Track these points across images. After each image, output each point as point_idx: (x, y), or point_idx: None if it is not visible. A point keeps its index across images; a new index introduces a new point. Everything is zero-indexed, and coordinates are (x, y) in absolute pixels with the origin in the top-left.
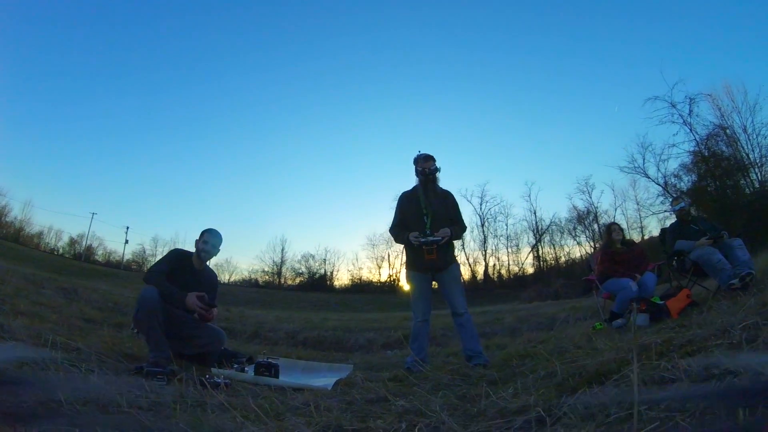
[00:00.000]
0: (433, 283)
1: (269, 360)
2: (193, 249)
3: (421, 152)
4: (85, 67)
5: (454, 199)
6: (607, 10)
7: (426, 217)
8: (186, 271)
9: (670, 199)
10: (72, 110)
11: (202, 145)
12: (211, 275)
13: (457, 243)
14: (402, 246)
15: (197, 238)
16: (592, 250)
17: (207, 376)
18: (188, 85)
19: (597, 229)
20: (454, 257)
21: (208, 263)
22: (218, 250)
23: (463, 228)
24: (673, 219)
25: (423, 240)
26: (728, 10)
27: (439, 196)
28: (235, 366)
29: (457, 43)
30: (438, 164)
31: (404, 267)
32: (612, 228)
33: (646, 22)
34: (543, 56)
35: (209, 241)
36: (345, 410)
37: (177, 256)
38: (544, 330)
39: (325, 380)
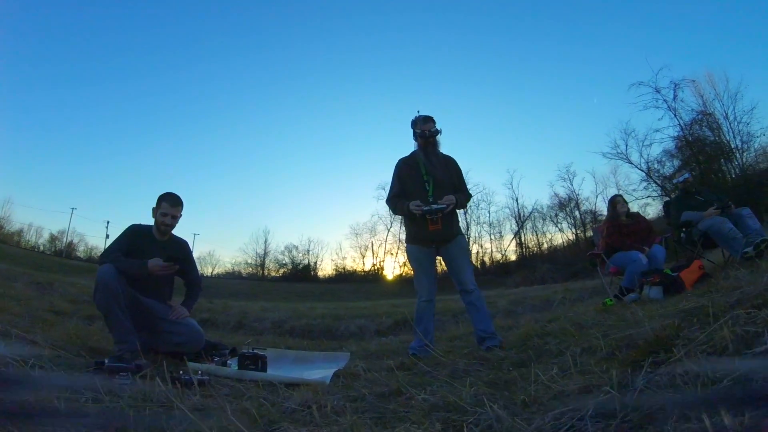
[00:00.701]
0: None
1: (255, 351)
2: (152, 222)
3: (420, 113)
4: (62, 59)
5: (457, 165)
6: None
7: (428, 184)
8: (147, 245)
9: (673, 171)
10: (48, 104)
11: (182, 137)
12: (180, 244)
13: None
14: (401, 218)
15: (154, 206)
16: (593, 227)
17: (181, 372)
18: (168, 76)
19: (579, 216)
20: (460, 228)
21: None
22: (179, 216)
23: (468, 196)
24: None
25: (426, 209)
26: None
27: (441, 161)
28: (216, 359)
29: (437, 30)
30: (439, 126)
31: (405, 242)
32: (616, 200)
33: (630, 7)
34: (525, 42)
35: (168, 212)
36: (356, 410)
37: (134, 231)
38: (542, 312)
39: (321, 372)
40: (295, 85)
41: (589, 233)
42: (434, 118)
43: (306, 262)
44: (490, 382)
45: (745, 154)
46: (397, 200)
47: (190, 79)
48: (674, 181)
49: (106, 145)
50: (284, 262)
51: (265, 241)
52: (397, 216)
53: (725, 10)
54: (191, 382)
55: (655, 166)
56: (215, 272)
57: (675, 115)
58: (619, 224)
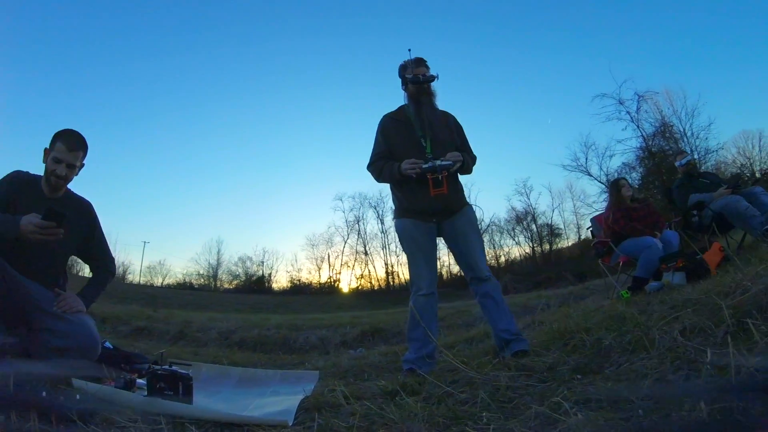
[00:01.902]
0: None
1: (174, 368)
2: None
3: (412, 55)
4: (40, 54)
5: (459, 123)
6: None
7: (424, 140)
8: (31, 201)
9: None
10: None
11: (134, 139)
12: (80, 204)
13: None
14: (390, 189)
15: (46, 147)
16: (591, 218)
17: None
18: (126, 78)
19: (535, 230)
20: (465, 196)
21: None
22: (79, 167)
23: (474, 159)
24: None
25: (427, 166)
26: (669, 16)
27: (439, 116)
28: (121, 378)
29: (392, 35)
30: (434, 72)
31: (394, 218)
32: (621, 183)
33: (592, 21)
34: (485, 51)
35: (63, 157)
36: None
37: (14, 180)
38: (524, 317)
39: (279, 401)
40: (250, 90)
41: (546, 247)
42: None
43: (260, 273)
44: (579, 401)
45: (702, 168)
46: (383, 163)
47: (145, 78)
48: (676, 164)
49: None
50: (237, 273)
51: (218, 252)
52: (355, 233)
53: (684, 28)
54: (67, 415)
55: (615, 177)
56: (165, 282)
57: (638, 127)
58: (627, 208)
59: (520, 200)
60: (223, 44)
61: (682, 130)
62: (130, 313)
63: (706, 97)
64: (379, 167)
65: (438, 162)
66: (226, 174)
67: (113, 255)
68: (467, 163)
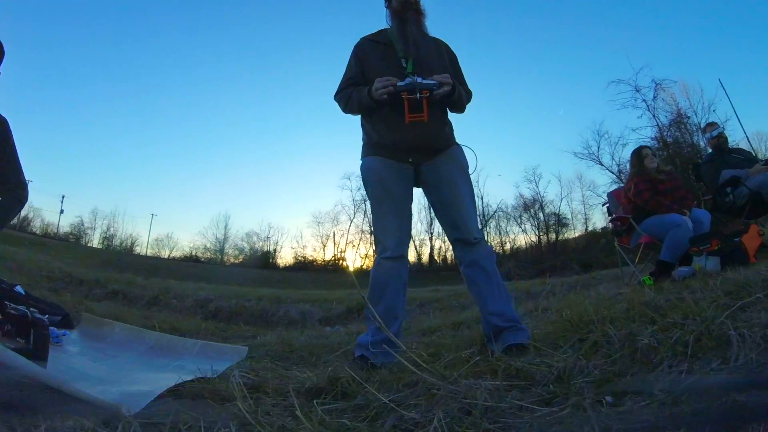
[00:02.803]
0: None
1: (32, 310)
2: None
3: None
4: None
5: (453, 52)
6: None
7: (405, 61)
8: None
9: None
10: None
11: (145, 115)
12: None
13: None
14: (360, 125)
15: None
16: (607, 193)
17: None
18: (134, 54)
19: (543, 218)
20: (453, 134)
21: None
22: None
23: (470, 94)
24: None
25: (403, 84)
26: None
27: (429, 39)
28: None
29: None
30: None
31: (362, 157)
32: (644, 152)
33: (610, 4)
34: (499, 36)
35: None
36: None
37: None
38: (528, 302)
39: (166, 378)
40: (260, 65)
41: (552, 236)
42: None
43: (266, 249)
44: None
45: None
46: (352, 89)
47: (155, 57)
48: (705, 136)
49: (64, 118)
50: (243, 248)
51: (226, 226)
52: (359, 196)
53: (711, 17)
54: None
55: (627, 168)
56: (172, 255)
57: (654, 116)
58: (653, 180)
59: (528, 188)
60: (238, 21)
61: (697, 123)
62: (111, 278)
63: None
64: (347, 95)
65: (418, 79)
66: (235, 149)
67: (26, 182)
68: (459, 94)
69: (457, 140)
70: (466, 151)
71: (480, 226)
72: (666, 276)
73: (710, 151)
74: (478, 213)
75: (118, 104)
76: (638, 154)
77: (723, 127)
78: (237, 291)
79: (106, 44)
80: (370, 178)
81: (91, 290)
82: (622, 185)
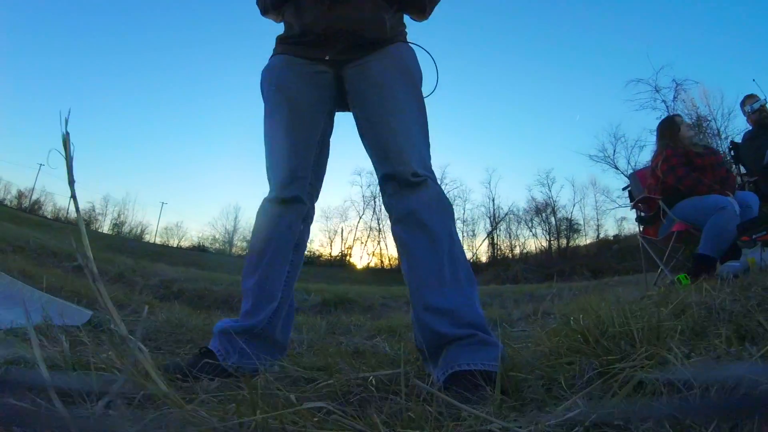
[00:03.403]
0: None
1: None
2: None
3: None
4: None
5: None
6: None
7: None
8: None
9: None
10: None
11: (162, 107)
12: None
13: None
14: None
15: None
16: (629, 175)
17: None
18: (153, 41)
19: (554, 223)
20: (404, 32)
21: None
22: None
23: None
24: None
25: None
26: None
27: None
28: None
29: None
30: None
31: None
32: (679, 120)
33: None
34: (514, 35)
35: None
36: None
37: None
38: (527, 304)
39: None
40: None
41: (563, 242)
42: None
43: None
44: None
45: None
46: None
47: (174, 53)
48: (746, 109)
49: (80, 105)
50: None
51: (236, 218)
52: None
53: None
54: None
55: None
56: (180, 244)
57: None
58: (689, 153)
59: (541, 191)
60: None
61: (716, 129)
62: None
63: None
64: None
65: None
66: (248, 140)
67: None
68: None
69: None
70: (420, 54)
71: (431, 162)
72: (708, 274)
73: (750, 128)
74: (488, 215)
75: (133, 89)
76: (671, 123)
77: (766, 100)
78: (220, 277)
79: (119, 34)
80: (264, 82)
81: (60, 262)
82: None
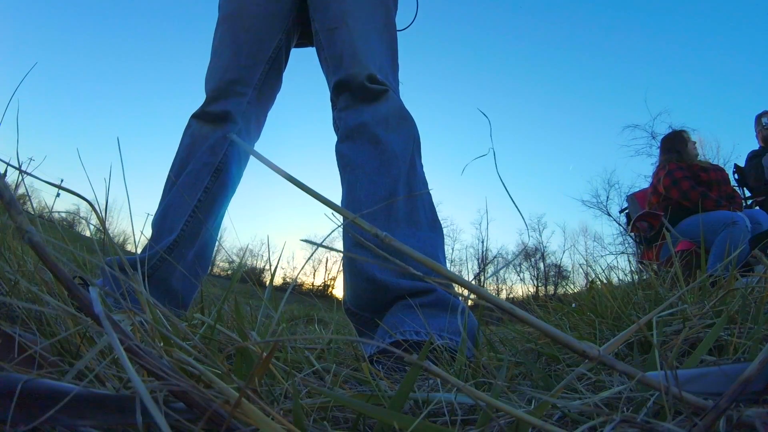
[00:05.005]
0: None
1: None
2: None
3: None
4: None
5: None
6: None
7: None
8: None
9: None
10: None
11: (159, 108)
12: None
13: None
14: None
15: None
16: (627, 196)
17: None
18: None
19: (543, 269)
20: None
21: None
22: None
23: None
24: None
25: None
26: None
27: None
28: None
29: (423, 51)
30: None
31: None
32: (686, 135)
33: (630, 48)
34: (513, 73)
35: None
36: None
37: None
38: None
39: None
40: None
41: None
42: None
43: (255, 265)
44: None
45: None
46: None
47: (158, 51)
48: (763, 121)
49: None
50: (231, 260)
51: (219, 238)
52: None
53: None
54: None
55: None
56: None
57: None
58: (693, 167)
59: (532, 236)
60: None
61: None
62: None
63: (741, 149)
64: None
65: None
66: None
67: None
68: None
69: None
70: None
71: (397, 81)
72: None
73: (759, 146)
74: (476, 256)
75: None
76: (679, 136)
77: None
78: None
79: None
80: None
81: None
82: (627, 237)
